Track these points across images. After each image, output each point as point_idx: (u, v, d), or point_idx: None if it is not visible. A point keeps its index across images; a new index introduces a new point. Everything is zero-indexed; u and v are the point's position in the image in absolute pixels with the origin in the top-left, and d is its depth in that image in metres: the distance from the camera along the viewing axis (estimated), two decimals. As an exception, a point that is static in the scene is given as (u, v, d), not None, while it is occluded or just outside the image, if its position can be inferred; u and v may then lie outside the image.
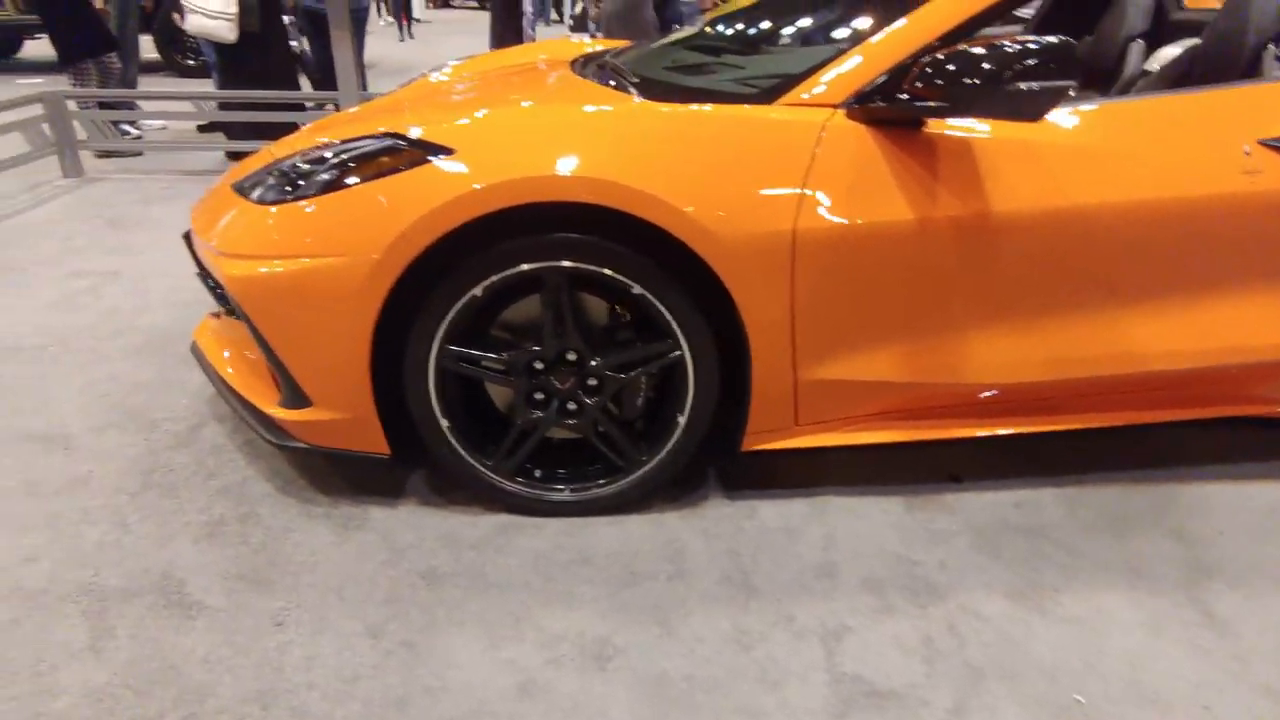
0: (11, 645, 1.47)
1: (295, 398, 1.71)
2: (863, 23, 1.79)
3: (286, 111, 4.54)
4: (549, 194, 1.49)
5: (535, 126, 1.60)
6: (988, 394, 1.82)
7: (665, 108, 1.64)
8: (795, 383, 1.73)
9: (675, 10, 5.02)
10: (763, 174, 1.56)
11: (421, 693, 1.40)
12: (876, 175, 1.58)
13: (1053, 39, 1.37)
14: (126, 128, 5.06)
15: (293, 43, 4.99)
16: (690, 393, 1.72)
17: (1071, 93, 1.38)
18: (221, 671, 1.43)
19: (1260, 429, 2.13)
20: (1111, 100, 1.73)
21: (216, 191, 2.01)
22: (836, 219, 1.58)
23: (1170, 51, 2.46)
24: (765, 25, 2.38)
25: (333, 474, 1.97)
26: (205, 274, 1.91)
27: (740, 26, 2.41)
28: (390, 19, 13.41)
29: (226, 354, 1.96)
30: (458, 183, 1.50)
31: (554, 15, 16.90)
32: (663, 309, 1.63)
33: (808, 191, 1.56)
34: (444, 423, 1.72)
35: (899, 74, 1.60)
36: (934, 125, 1.60)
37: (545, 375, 1.72)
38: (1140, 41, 2.61)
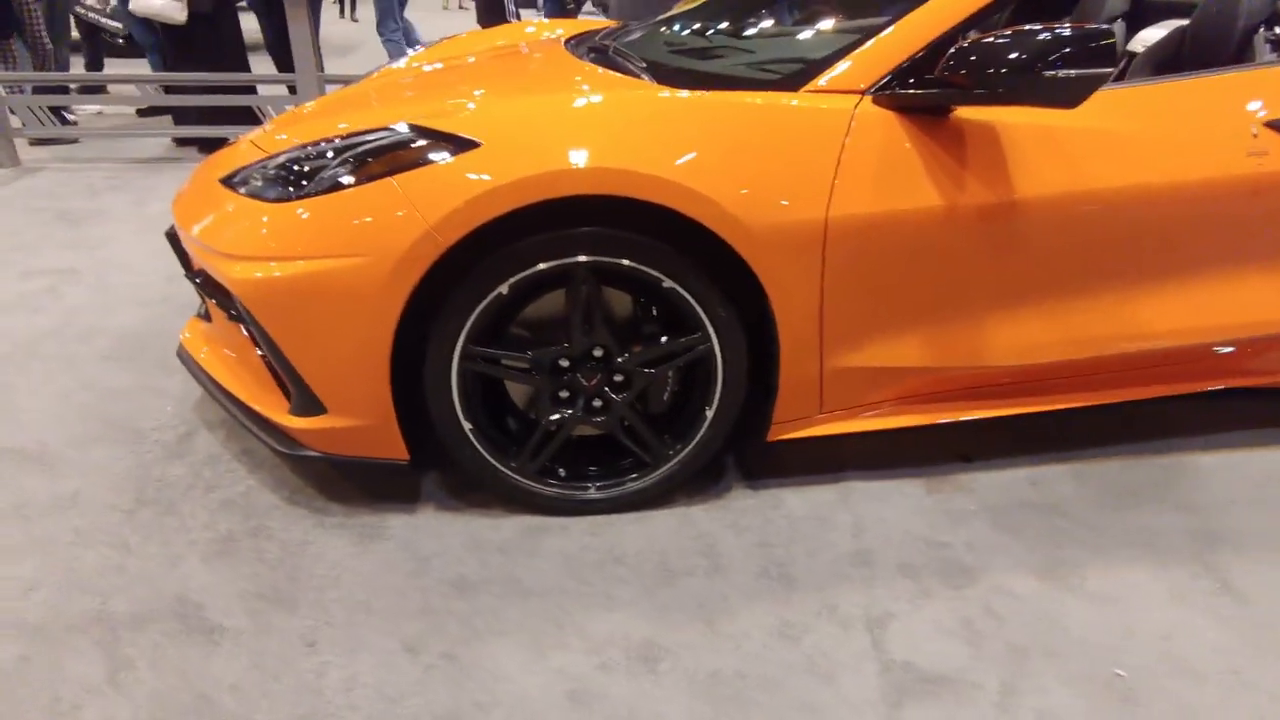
0: (23, 685, 1.37)
1: (308, 404, 1.63)
2: (876, 6, 1.77)
3: (239, 94, 4.31)
4: (585, 187, 1.44)
5: (563, 117, 1.54)
6: (1004, 375, 1.84)
7: (692, 96, 1.59)
8: (821, 371, 1.72)
9: None
10: (795, 163, 1.54)
11: (472, 708, 1.36)
12: (905, 162, 1.57)
13: (1091, 27, 1.37)
14: (64, 112, 4.76)
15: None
16: (719, 385, 1.69)
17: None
18: (257, 698, 1.36)
19: (1245, 399, 2.21)
20: (1126, 85, 1.75)
21: (200, 186, 1.90)
22: (867, 207, 1.56)
23: (1153, 33, 2.50)
24: (762, 7, 2.35)
25: (342, 481, 1.89)
26: (198, 275, 1.80)
27: (734, 6, 2.37)
28: None
29: (222, 359, 1.85)
30: (489, 176, 1.43)
31: None
32: (693, 303, 1.59)
33: (839, 180, 1.55)
34: (467, 425, 1.66)
35: (923, 59, 1.59)
36: (960, 111, 1.59)
37: (571, 372, 1.67)
38: (1121, 22, 2.66)
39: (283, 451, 1.70)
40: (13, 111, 4.23)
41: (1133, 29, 2.67)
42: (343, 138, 1.61)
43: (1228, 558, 1.74)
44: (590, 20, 4.07)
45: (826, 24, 2.00)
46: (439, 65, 2.34)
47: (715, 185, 1.48)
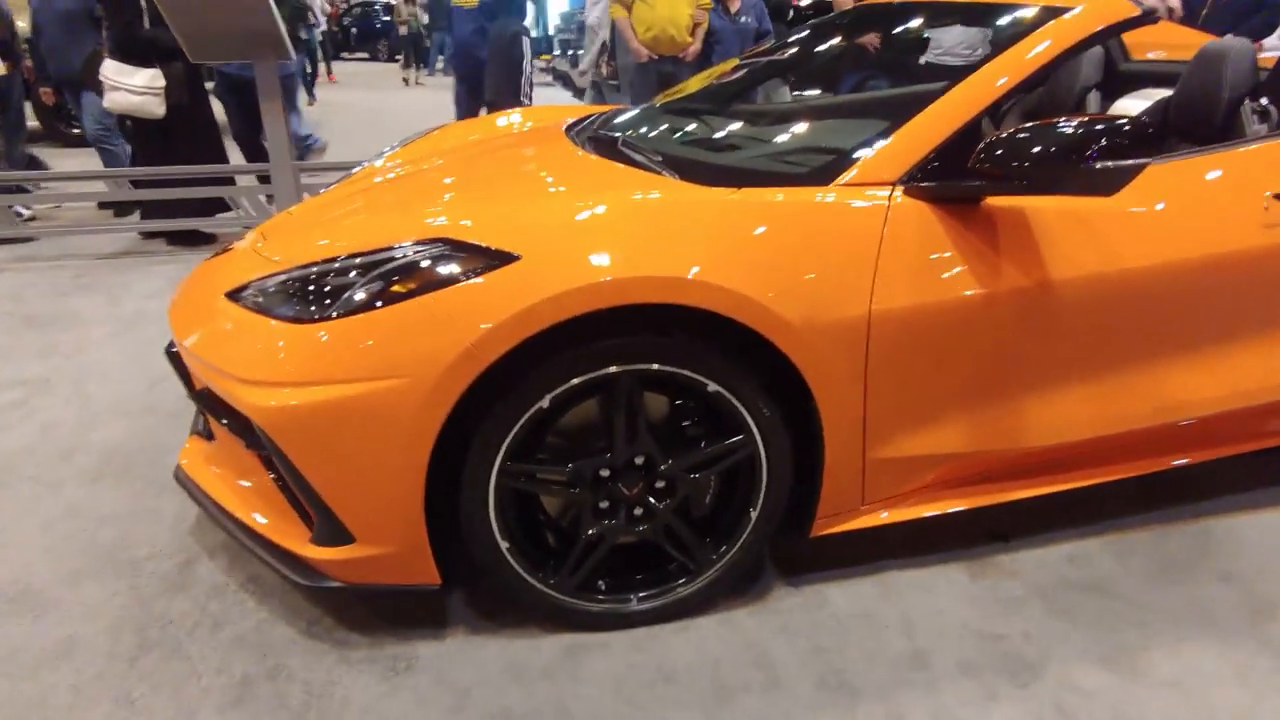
0: None
1: (335, 534, 1.52)
2: (886, 95, 1.79)
3: (215, 185, 4.23)
4: (632, 297, 1.39)
5: (600, 225, 1.51)
6: (1040, 454, 1.82)
7: (725, 195, 1.57)
8: (864, 463, 1.68)
9: None
10: (836, 260, 1.52)
11: None
12: (943, 253, 1.57)
13: (1127, 118, 1.40)
14: (20, 209, 4.61)
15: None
16: (763, 485, 1.64)
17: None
18: None
19: (1267, 456, 2.23)
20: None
21: (200, 297, 1.81)
22: (908, 300, 1.55)
23: (1130, 104, 2.59)
24: (756, 91, 2.38)
25: (358, 607, 1.77)
26: (204, 395, 1.70)
27: (732, 93, 2.39)
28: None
29: (229, 484, 1.74)
30: (532, 291, 1.38)
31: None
32: (738, 405, 1.55)
33: (879, 274, 1.53)
34: (503, 545, 1.57)
35: (949, 149, 1.60)
36: (991, 199, 1.60)
37: (613, 482, 1.60)
38: (1096, 92, 2.75)
39: (303, 584, 1.59)
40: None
41: (1106, 98, 2.77)
42: (365, 253, 1.54)
43: (1279, 630, 1.71)
44: (566, 106, 4.10)
45: (833, 111, 2.02)
46: (439, 163, 2.30)
47: (762, 289, 1.45)
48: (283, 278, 1.62)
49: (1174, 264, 1.68)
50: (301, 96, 5.90)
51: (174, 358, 1.86)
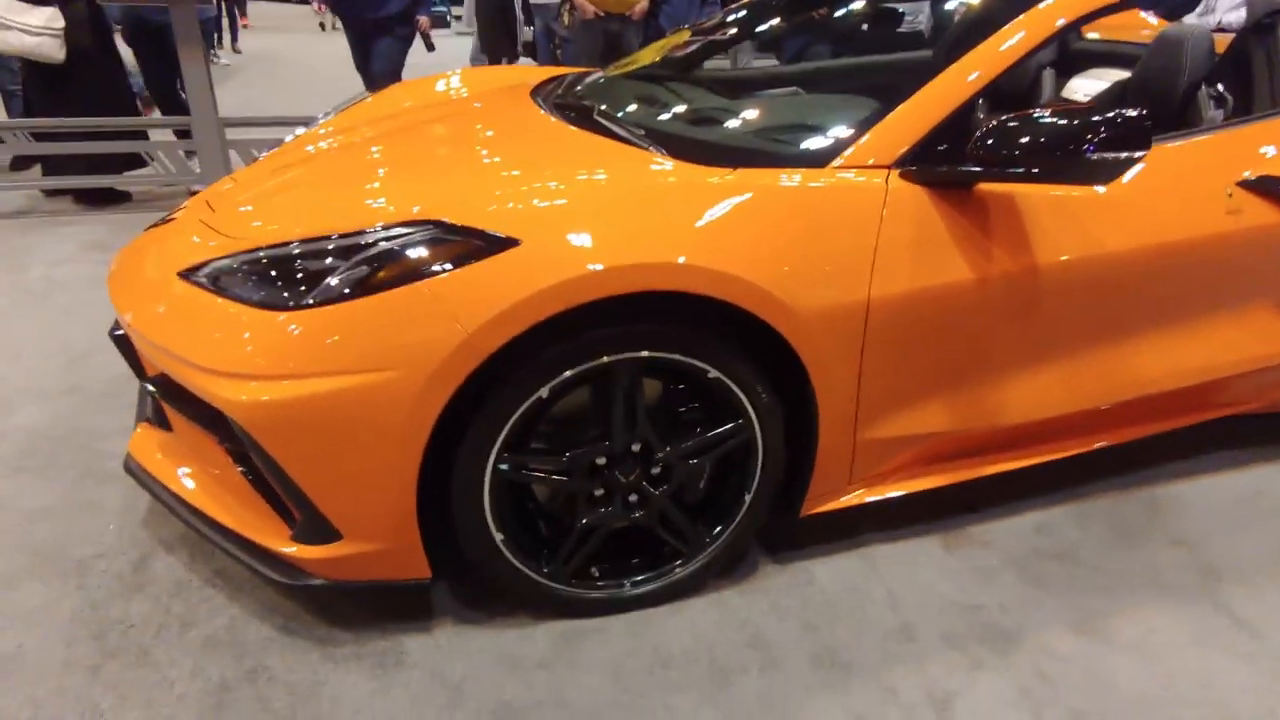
0: None
1: (320, 531, 1.44)
2: (869, 62, 1.77)
3: (126, 140, 3.88)
4: (639, 285, 1.34)
5: (600, 207, 1.44)
6: (1017, 430, 1.88)
7: (724, 176, 1.52)
8: (854, 444, 1.70)
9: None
10: (836, 244, 1.51)
11: None
12: (939, 238, 1.57)
13: (1128, 111, 1.41)
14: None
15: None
16: (758, 469, 1.63)
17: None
18: None
19: (1209, 425, 2.36)
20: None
21: (146, 273, 1.66)
22: (906, 284, 1.55)
23: (1084, 84, 2.66)
24: (735, 66, 2.32)
25: (338, 601, 1.69)
26: (160, 383, 1.56)
27: (701, 60, 2.33)
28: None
29: (193, 476, 1.62)
30: (535, 278, 1.31)
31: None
32: (737, 390, 1.53)
33: (878, 259, 1.52)
34: (498, 537, 1.52)
35: (942, 132, 1.60)
36: (983, 184, 1.61)
37: (608, 470, 1.56)
38: (1051, 70, 2.80)
39: (284, 582, 1.50)
40: None
41: (1061, 76, 2.82)
42: (341, 235, 1.43)
43: (1230, 589, 1.84)
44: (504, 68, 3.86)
45: (813, 86, 1.99)
46: (396, 128, 2.15)
47: (766, 274, 1.43)
48: (246, 258, 1.49)
49: (1147, 248, 1.74)
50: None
51: (120, 340, 1.70)
